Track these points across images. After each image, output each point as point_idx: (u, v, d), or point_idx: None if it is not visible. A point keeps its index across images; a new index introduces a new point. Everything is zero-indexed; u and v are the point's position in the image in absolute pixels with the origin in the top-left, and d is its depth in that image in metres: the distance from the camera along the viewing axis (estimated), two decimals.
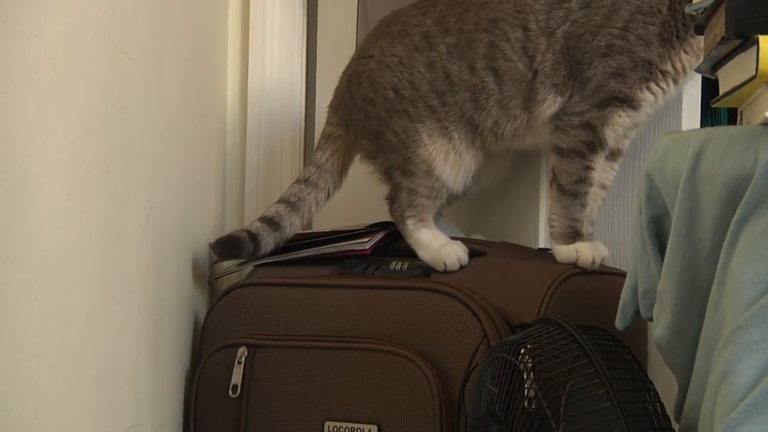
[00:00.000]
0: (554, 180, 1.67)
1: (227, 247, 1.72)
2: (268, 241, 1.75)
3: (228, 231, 1.94)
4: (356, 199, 1.83)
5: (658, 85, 1.63)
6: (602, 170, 1.68)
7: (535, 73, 1.66)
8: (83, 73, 1.44)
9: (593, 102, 1.63)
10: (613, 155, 1.70)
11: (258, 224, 1.75)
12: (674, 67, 1.62)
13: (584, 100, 1.64)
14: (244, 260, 1.82)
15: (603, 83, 1.63)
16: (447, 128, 1.70)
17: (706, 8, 1.18)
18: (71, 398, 1.43)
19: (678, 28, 1.59)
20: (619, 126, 1.65)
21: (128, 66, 1.57)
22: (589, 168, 1.65)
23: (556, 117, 1.66)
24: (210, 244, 1.78)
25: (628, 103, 1.63)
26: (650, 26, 1.60)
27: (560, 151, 1.66)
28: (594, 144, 1.64)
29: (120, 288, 1.56)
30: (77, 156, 1.43)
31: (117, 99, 1.54)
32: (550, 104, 1.66)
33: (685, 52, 1.61)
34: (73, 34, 1.41)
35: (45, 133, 1.35)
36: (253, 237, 1.74)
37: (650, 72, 1.62)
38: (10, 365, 1.28)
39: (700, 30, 1.22)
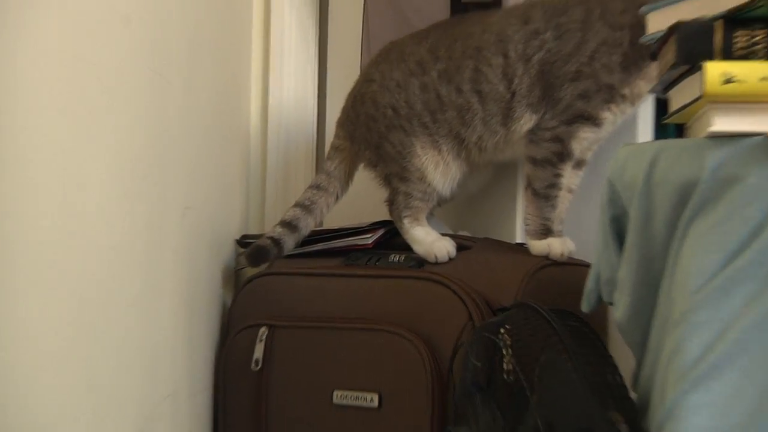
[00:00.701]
0: (529, 185, 1.67)
1: (257, 257, 1.72)
2: (289, 242, 1.74)
3: (250, 228, 1.94)
4: (360, 201, 1.83)
5: (617, 106, 1.63)
6: (570, 177, 1.69)
7: (513, 94, 1.65)
8: (130, 94, 1.45)
9: (562, 119, 1.63)
10: (579, 164, 1.71)
11: (279, 229, 1.75)
12: (632, 92, 1.62)
13: (555, 118, 1.64)
14: None
15: (571, 103, 1.62)
16: (437, 141, 1.70)
17: (659, 38, 1.18)
18: (118, 370, 1.43)
19: (637, 58, 1.59)
20: (584, 140, 1.64)
21: (167, 88, 1.57)
22: (558, 175, 1.65)
23: (531, 132, 1.66)
24: (242, 256, 1.78)
25: (592, 120, 1.63)
26: (613, 56, 1.60)
27: (534, 161, 1.66)
28: (563, 155, 1.64)
29: (159, 276, 1.57)
30: (125, 164, 1.43)
31: (157, 116, 1.54)
32: (526, 121, 1.66)
33: (641, 79, 1.61)
34: (122, 62, 1.42)
35: (98, 145, 1.35)
36: (276, 242, 1.73)
37: (611, 95, 1.62)
38: (67, 342, 1.28)
39: (654, 56, 1.23)
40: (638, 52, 1.58)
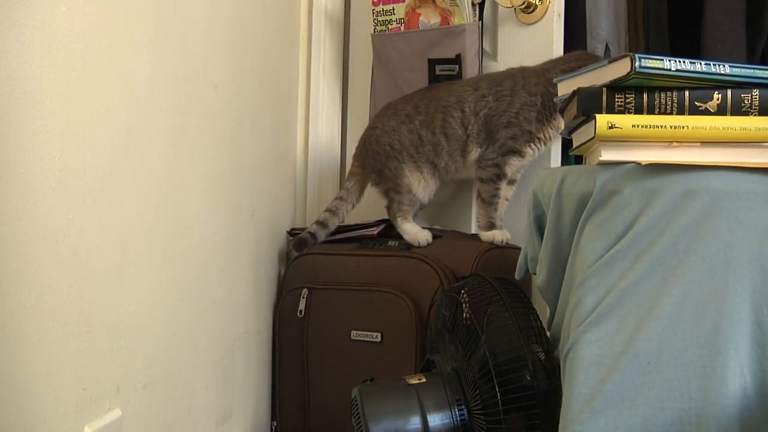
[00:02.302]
0: (479, 196, 1.67)
1: (301, 246, 1.71)
2: (322, 235, 1.73)
3: (296, 225, 1.94)
4: (369, 207, 1.83)
5: (535, 144, 1.63)
6: (505, 190, 1.68)
7: (468, 136, 1.65)
8: (217, 135, 1.45)
9: (499, 153, 1.63)
10: (511, 182, 1.70)
11: (315, 226, 1.74)
12: (545, 136, 1.62)
13: (494, 152, 1.63)
14: None
15: (505, 142, 1.62)
16: (419, 166, 1.70)
17: (566, 99, 1.18)
18: (210, 316, 1.43)
19: (547, 114, 1.60)
20: (513, 166, 1.64)
21: (241, 131, 1.57)
22: (498, 189, 1.65)
23: (479, 160, 1.65)
24: (291, 244, 1.78)
25: (519, 153, 1.63)
26: (531, 112, 1.60)
27: (482, 180, 1.65)
28: (500, 175, 1.64)
29: (237, 255, 1.57)
30: (213, 181, 1.43)
31: (235, 150, 1.54)
32: (475, 153, 1.65)
33: (551, 128, 1.62)
34: (212, 113, 1.42)
35: (195, 168, 1.35)
36: (313, 235, 1.72)
37: (531, 137, 1.62)
38: (176, 298, 1.29)
39: (562, 112, 1.23)
40: (547, 110, 1.60)
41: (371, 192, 1.79)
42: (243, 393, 1.62)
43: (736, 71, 1.05)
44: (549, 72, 1.59)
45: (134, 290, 1.14)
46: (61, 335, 0.96)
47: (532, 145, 1.63)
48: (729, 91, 1.06)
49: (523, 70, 1.65)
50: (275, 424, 1.75)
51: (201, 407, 1.40)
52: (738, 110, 1.06)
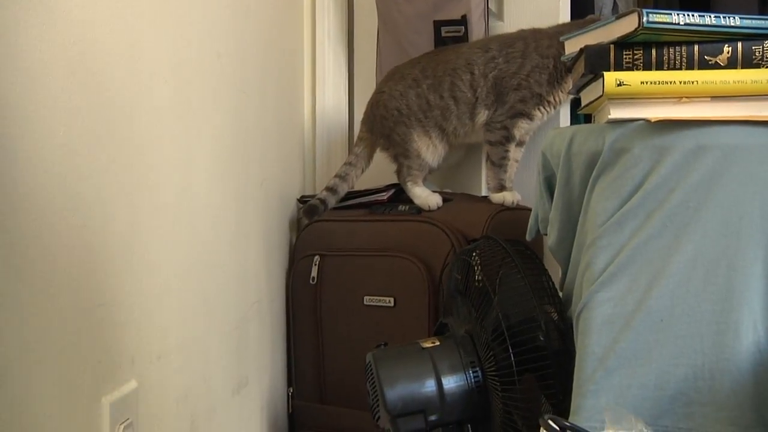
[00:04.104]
0: (488, 158, 1.67)
1: (311, 213, 1.71)
2: (332, 201, 1.73)
3: (305, 192, 1.94)
4: (378, 172, 1.83)
5: (544, 108, 1.62)
6: (514, 152, 1.67)
7: (477, 98, 1.64)
8: (222, 105, 1.44)
9: (508, 115, 1.62)
10: (520, 144, 1.69)
11: (325, 193, 1.74)
12: (554, 99, 1.62)
13: (503, 114, 1.62)
14: None
15: (514, 105, 1.61)
16: (428, 131, 1.69)
17: (574, 57, 1.17)
18: (222, 286, 1.44)
19: (558, 77, 1.59)
20: (522, 129, 1.63)
21: (246, 99, 1.57)
22: (507, 151, 1.64)
23: (487, 123, 1.64)
24: (301, 212, 1.78)
25: (528, 116, 1.62)
26: (542, 75, 1.59)
27: (490, 143, 1.65)
28: (509, 138, 1.63)
29: (247, 224, 1.57)
30: (220, 152, 1.43)
31: (241, 119, 1.54)
32: (483, 116, 1.64)
33: (561, 91, 1.61)
34: (216, 83, 1.41)
35: (202, 139, 1.35)
36: (323, 202, 1.71)
37: (540, 101, 1.61)
38: (185, 269, 1.29)
39: (570, 69, 1.21)
40: (559, 73, 1.59)
41: (380, 157, 1.79)
42: (258, 361, 1.63)
43: (747, 23, 1.04)
44: (562, 35, 1.58)
45: (145, 262, 1.14)
46: (75, 309, 0.97)
47: (541, 108, 1.62)
48: (740, 44, 1.05)
49: (536, 32, 1.63)
50: (292, 390, 1.77)
51: (217, 376, 1.41)
52: (749, 63, 1.05)
